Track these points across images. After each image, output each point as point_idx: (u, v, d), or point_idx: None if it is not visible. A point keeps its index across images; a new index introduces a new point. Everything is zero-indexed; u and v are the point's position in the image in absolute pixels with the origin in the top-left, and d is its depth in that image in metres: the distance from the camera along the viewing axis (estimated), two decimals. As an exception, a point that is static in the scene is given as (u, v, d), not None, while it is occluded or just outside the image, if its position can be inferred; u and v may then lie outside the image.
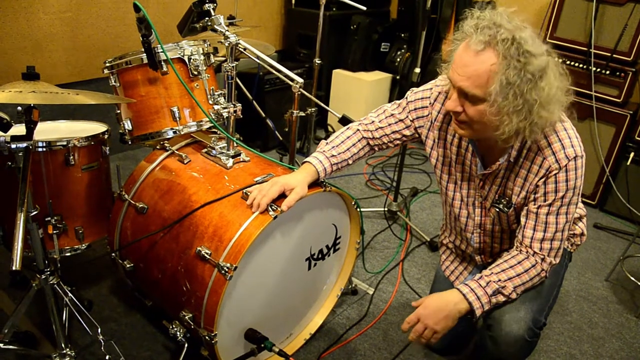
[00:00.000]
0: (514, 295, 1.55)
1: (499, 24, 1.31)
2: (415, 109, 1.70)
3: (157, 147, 1.95)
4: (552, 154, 1.45)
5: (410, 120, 1.71)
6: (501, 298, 1.54)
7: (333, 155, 1.69)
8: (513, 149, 1.50)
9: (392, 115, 1.74)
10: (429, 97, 1.67)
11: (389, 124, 1.73)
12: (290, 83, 1.97)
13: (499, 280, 1.53)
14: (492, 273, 1.54)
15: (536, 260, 1.53)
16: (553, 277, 1.72)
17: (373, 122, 1.76)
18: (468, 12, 1.41)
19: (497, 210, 1.62)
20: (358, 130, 1.76)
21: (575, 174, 1.45)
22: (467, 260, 1.92)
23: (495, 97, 1.32)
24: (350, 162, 1.74)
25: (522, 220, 1.55)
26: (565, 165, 1.44)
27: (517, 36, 1.29)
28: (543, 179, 1.47)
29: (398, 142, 1.76)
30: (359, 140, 1.75)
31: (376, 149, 1.79)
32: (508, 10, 1.36)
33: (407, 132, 1.73)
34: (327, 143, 1.74)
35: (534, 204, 1.52)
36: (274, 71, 1.90)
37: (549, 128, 1.44)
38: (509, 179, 1.57)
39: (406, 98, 1.73)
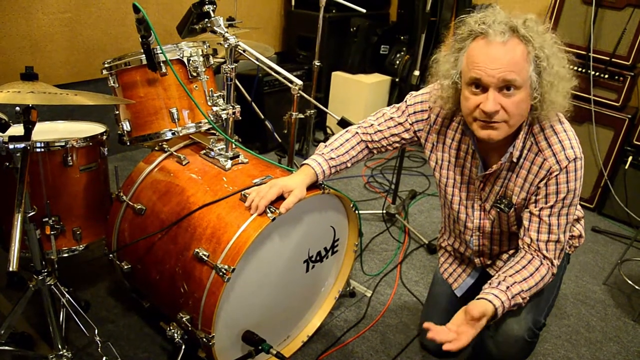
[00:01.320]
0: (527, 300, 1.53)
1: (504, 15, 1.37)
2: (414, 112, 1.70)
3: (156, 148, 1.95)
4: (553, 154, 1.45)
5: (410, 124, 1.72)
6: (517, 301, 1.50)
7: (332, 158, 1.69)
8: (515, 149, 1.50)
9: (391, 118, 1.74)
10: (428, 101, 1.67)
11: (388, 127, 1.74)
12: (290, 85, 1.97)
13: (522, 290, 1.48)
14: (515, 282, 1.48)
15: (549, 265, 1.53)
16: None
17: (372, 125, 1.76)
18: (464, 16, 1.43)
19: (498, 210, 1.63)
20: (357, 133, 1.77)
21: (575, 175, 1.46)
22: (466, 262, 1.92)
23: (532, 80, 1.36)
24: (349, 165, 1.74)
25: (525, 223, 1.56)
26: (566, 167, 1.45)
27: (528, 22, 1.36)
28: (544, 181, 1.48)
29: (397, 145, 1.76)
30: (357, 144, 1.75)
31: (375, 152, 1.79)
32: (497, 7, 1.42)
33: (406, 136, 1.73)
34: (326, 146, 1.74)
35: (535, 207, 1.52)
36: (273, 73, 1.90)
37: (549, 129, 1.46)
38: (509, 180, 1.57)
39: (405, 102, 1.73)
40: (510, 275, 1.50)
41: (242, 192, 1.62)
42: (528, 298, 1.51)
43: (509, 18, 1.36)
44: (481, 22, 1.37)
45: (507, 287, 1.47)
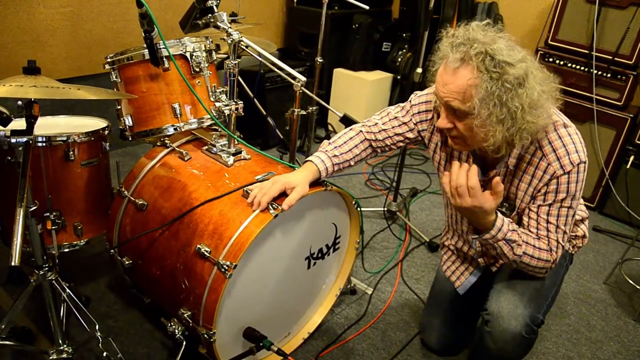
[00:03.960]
0: (516, 257, 1.52)
1: (473, 39, 1.34)
2: (418, 112, 1.70)
3: (158, 143, 1.94)
4: (557, 159, 1.45)
5: (414, 124, 1.71)
6: (509, 247, 1.50)
7: (335, 155, 1.69)
8: (510, 157, 1.50)
9: (395, 118, 1.74)
10: (432, 101, 1.67)
11: (393, 127, 1.73)
12: (292, 81, 1.96)
13: (520, 237, 1.50)
14: (523, 241, 1.52)
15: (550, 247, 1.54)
16: (553, 276, 1.73)
17: (376, 124, 1.75)
18: (443, 31, 1.45)
19: (500, 213, 1.62)
20: (361, 131, 1.76)
21: (577, 178, 1.46)
22: (469, 261, 1.92)
23: (479, 110, 1.34)
24: (352, 162, 1.74)
25: (525, 219, 1.56)
26: (569, 171, 1.44)
27: (489, 49, 1.31)
28: (546, 182, 1.48)
29: (401, 144, 1.76)
30: (361, 142, 1.75)
31: (379, 150, 1.79)
32: (481, 24, 1.39)
33: (410, 135, 1.73)
34: (329, 143, 1.73)
35: (534, 203, 1.53)
36: (276, 69, 1.89)
37: (553, 134, 1.45)
38: (511, 184, 1.57)
39: (410, 101, 1.73)
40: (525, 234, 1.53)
41: (245, 189, 1.61)
42: (522, 253, 1.51)
43: (472, 43, 1.33)
44: (451, 42, 1.38)
45: (515, 230, 1.50)
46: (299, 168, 1.68)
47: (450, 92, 1.37)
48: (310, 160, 1.67)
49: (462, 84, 1.34)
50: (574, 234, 1.81)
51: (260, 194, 1.54)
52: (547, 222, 1.52)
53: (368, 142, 1.76)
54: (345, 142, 1.73)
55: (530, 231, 1.55)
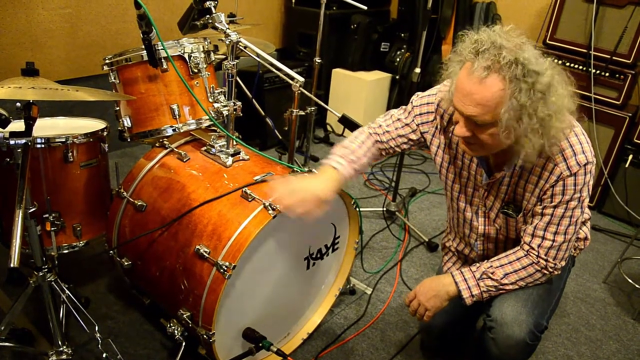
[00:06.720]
0: (508, 286, 1.58)
1: (499, 45, 1.29)
2: (420, 113, 1.69)
3: (156, 144, 1.94)
4: (564, 160, 1.44)
5: (416, 125, 1.70)
6: (490, 282, 1.58)
7: (353, 161, 1.63)
8: (519, 159, 1.48)
9: (398, 119, 1.72)
10: (434, 103, 1.66)
11: (396, 128, 1.72)
12: (290, 82, 1.96)
13: (490, 266, 1.59)
14: (488, 262, 1.61)
15: (537, 259, 1.55)
16: (556, 281, 1.72)
17: (380, 126, 1.74)
18: (463, 33, 1.39)
19: (506, 215, 1.62)
20: (370, 133, 1.74)
21: (584, 179, 1.45)
22: (470, 263, 1.91)
23: (507, 121, 1.31)
24: (368, 166, 1.72)
25: (528, 220, 1.57)
26: (576, 173, 1.44)
27: (520, 57, 1.27)
28: (553, 183, 1.47)
29: (405, 146, 1.73)
30: (372, 145, 1.72)
31: (384, 153, 1.75)
32: (504, 28, 1.34)
33: (413, 137, 1.71)
34: (344, 148, 1.67)
35: (540, 205, 1.52)
36: (274, 70, 1.89)
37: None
38: (518, 185, 1.56)
39: (412, 102, 1.72)
40: (489, 261, 1.63)
41: (243, 189, 1.61)
42: (502, 275, 1.58)
43: (500, 51, 1.27)
44: (475, 46, 1.31)
45: (477, 267, 1.62)
46: (321, 175, 1.58)
47: (475, 103, 1.31)
48: (334, 167, 1.59)
49: (490, 95, 1.29)
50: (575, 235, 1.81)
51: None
52: (549, 223, 1.51)
53: (377, 145, 1.74)
54: (359, 147, 1.68)
55: (527, 231, 1.56)
